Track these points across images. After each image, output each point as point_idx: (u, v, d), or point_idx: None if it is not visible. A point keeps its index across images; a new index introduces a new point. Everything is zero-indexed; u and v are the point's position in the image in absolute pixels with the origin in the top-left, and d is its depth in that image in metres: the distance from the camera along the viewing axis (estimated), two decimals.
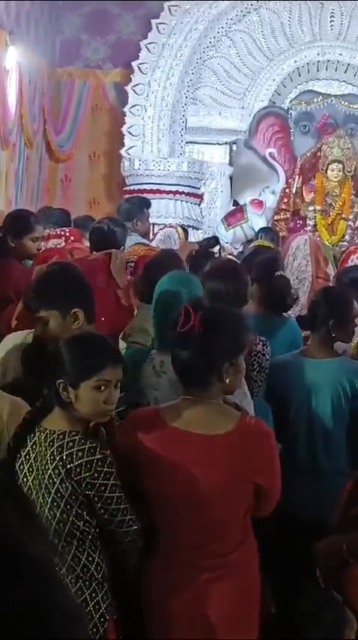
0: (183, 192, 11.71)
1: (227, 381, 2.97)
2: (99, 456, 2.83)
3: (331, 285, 6.03)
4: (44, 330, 3.50)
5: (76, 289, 3.63)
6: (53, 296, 3.53)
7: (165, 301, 3.60)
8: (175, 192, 11.66)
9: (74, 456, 2.83)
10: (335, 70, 12.32)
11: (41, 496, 2.89)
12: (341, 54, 12.26)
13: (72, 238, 7.11)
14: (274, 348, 4.29)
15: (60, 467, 2.84)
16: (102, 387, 2.92)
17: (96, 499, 2.85)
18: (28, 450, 2.96)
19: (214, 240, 7.39)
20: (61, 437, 2.88)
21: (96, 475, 2.83)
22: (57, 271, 3.78)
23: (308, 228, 10.93)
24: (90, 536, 2.92)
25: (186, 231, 8.13)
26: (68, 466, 2.83)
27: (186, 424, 2.97)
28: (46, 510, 2.88)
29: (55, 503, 2.86)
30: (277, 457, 3.08)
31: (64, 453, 2.84)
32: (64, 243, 6.96)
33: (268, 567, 3.23)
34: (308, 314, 4.36)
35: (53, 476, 2.85)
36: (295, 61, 12.30)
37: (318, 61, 12.31)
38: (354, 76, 12.28)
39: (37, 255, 5.61)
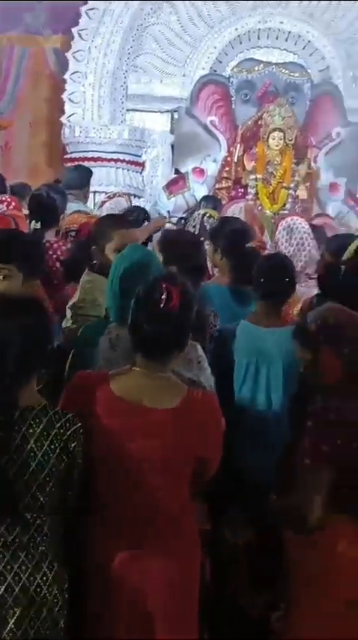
0: (124, 160, 11.64)
1: (183, 353, 3.07)
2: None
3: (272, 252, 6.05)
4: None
5: (42, 265, 3.65)
6: (28, 260, 3.50)
7: (133, 275, 3.45)
8: (116, 160, 11.59)
9: (64, 428, 2.86)
10: (276, 39, 12.30)
11: (27, 474, 2.82)
12: (282, 22, 12.25)
13: (13, 204, 7.04)
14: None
15: (56, 442, 2.84)
16: None
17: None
18: None
19: (144, 215, 7.33)
20: (43, 412, 2.87)
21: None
22: (37, 242, 3.73)
23: (250, 196, 10.94)
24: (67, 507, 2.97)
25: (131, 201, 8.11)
26: (63, 438, 2.85)
27: (135, 396, 2.99)
28: (34, 488, 2.84)
29: (48, 478, 2.84)
30: (222, 432, 3.12)
31: (56, 426, 2.85)
32: (5, 208, 6.87)
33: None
34: (254, 282, 4.37)
35: (49, 452, 2.84)
36: (236, 29, 12.24)
37: (259, 29, 12.27)
38: (295, 44, 12.29)
39: None
